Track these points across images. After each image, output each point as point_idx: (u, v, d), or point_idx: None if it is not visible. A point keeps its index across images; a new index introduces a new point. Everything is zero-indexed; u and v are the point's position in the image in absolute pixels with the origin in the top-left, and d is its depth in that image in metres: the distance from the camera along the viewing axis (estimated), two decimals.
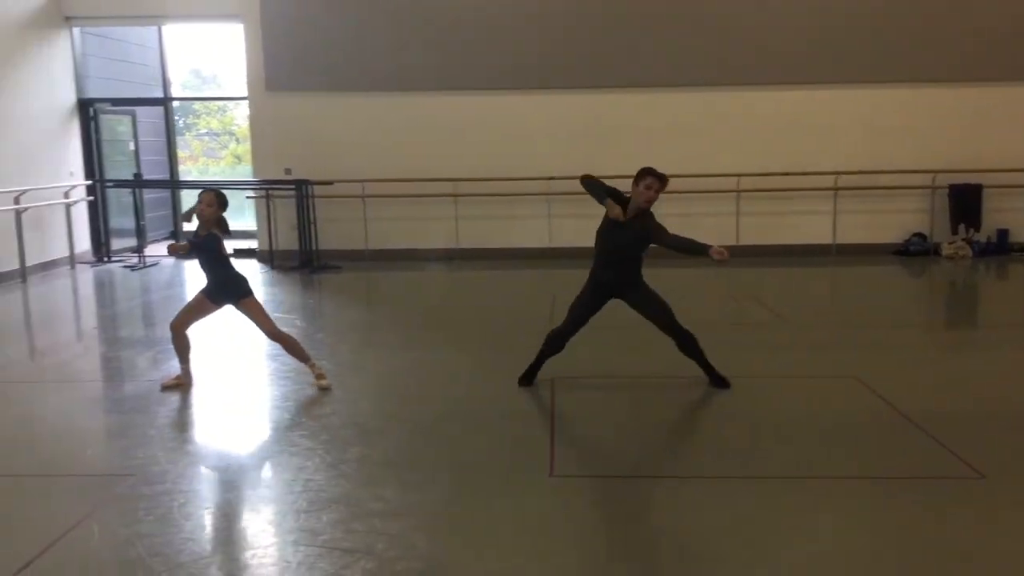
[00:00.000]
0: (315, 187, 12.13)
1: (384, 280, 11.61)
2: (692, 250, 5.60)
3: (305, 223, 12.04)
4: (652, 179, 5.67)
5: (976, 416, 5.40)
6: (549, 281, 11.16)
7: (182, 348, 6.26)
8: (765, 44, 12.03)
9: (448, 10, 12.21)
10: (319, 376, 6.09)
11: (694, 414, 5.84)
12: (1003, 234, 12.19)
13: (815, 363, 6.80)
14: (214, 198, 5.96)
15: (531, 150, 12.32)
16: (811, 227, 12.43)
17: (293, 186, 11.95)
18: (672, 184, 11.68)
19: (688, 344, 5.87)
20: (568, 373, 6.23)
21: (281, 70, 12.47)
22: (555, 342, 6.04)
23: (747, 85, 12.18)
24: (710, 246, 5.49)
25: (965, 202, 12.09)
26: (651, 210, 5.74)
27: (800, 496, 4.27)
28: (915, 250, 12.20)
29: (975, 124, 12.13)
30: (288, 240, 12.45)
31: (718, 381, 5.95)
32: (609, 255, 5.83)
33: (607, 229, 5.80)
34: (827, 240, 12.40)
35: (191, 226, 6.28)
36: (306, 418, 5.50)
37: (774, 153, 12.22)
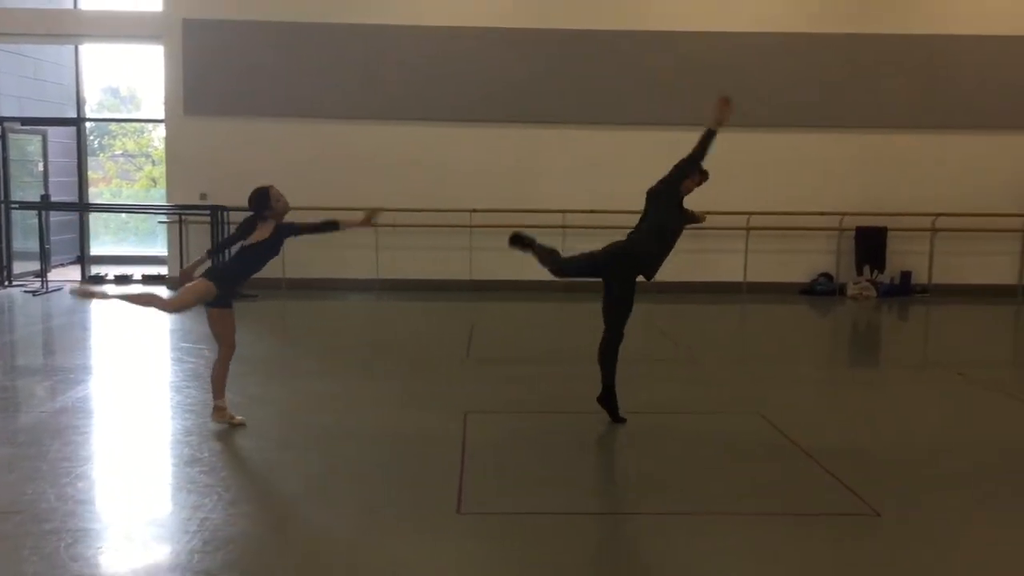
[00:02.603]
0: (231, 213, 11.91)
1: (300, 310, 11.44)
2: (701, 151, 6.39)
3: (219, 250, 11.77)
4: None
5: (874, 453, 5.56)
6: (469, 313, 11.17)
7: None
8: (683, 86, 12.32)
9: (370, 40, 12.22)
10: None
11: (602, 448, 5.85)
12: (906, 276, 12.68)
13: (720, 399, 6.92)
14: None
15: (454, 182, 12.35)
16: (723, 265, 12.72)
17: (208, 211, 11.71)
18: (586, 220, 11.83)
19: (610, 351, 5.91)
20: (481, 407, 6.21)
21: (200, 94, 12.29)
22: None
23: (666, 125, 12.42)
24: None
25: (870, 244, 12.54)
26: None
27: (701, 532, 4.31)
28: (821, 290, 12.59)
29: (881, 169, 12.63)
30: (201, 267, 12.14)
31: (614, 414, 6.01)
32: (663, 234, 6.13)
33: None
34: (738, 278, 12.70)
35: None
36: (207, 453, 5.34)
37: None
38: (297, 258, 12.36)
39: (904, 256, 12.71)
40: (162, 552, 4.03)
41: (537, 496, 4.81)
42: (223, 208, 11.83)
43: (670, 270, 12.21)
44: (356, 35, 12.22)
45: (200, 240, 12.13)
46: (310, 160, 12.36)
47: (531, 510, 4.59)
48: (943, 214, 12.32)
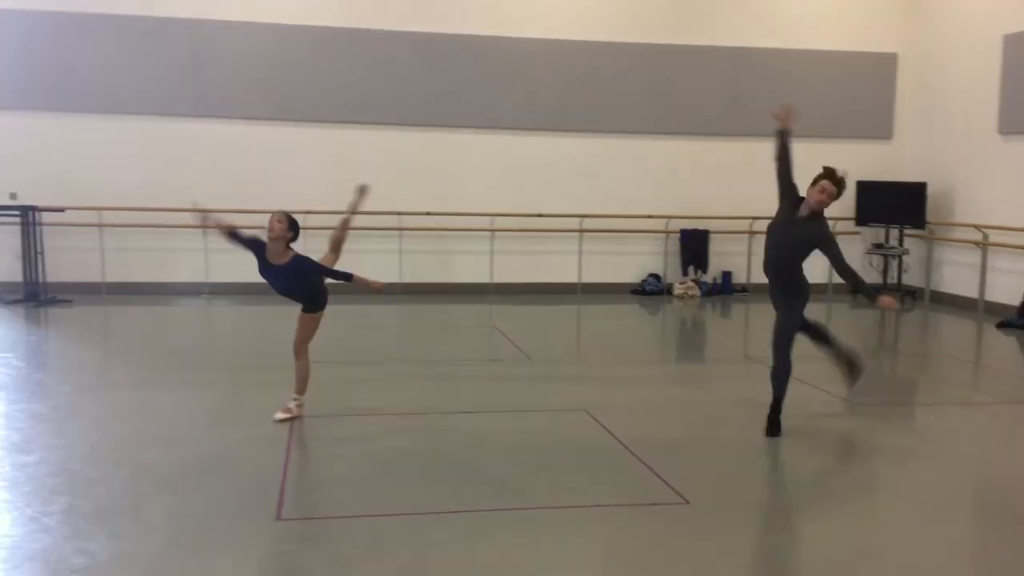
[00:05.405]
0: (43, 214, 11.22)
1: (121, 315, 10.88)
2: (857, 287, 5.84)
3: (32, 253, 11.08)
4: (826, 182, 5.71)
5: (687, 444, 5.85)
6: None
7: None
8: (526, 93, 12.60)
9: (191, 36, 11.81)
10: (285, 409, 6.05)
11: (429, 448, 5.86)
12: (727, 276, 13.39)
13: (552, 397, 7.09)
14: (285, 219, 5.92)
15: (280, 183, 12.04)
16: (559, 267, 13.03)
17: (17, 212, 10.98)
18: (427, 222, 11.85)
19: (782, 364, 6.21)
20: (310, 412, 6.11)
21: (7, 87, 11.52)
22: (814, 333, 6.46)
23: (505, 129, 12.67)
24: (879, 294, 5.68)
25: (694, 246, 13.16)
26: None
27: (523, 527, 4.40)
28: (650, 290, 13.11)
29: (703, 174, 13.28)
30: (11, 271, 11.38)
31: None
32: (769, 254, 6.13)
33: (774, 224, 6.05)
34: (573, 279, 13.05)
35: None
36: (7, 467, 5.02)
37: (526, 195, 12.73)
38: (119, 260, 11.81)
39: (725, 257, 13.40)
40: None
41: (361, 498, 4.78)
42: (34, 208, 11.15)
43: (506, 271, 12.63)
44: (173, 28, 11.78)
45: (10, 242, 11.32)
46: (133, 157, 11.84)
47: (354, 513, 4.56)
48: (759, 217, 13.06)
